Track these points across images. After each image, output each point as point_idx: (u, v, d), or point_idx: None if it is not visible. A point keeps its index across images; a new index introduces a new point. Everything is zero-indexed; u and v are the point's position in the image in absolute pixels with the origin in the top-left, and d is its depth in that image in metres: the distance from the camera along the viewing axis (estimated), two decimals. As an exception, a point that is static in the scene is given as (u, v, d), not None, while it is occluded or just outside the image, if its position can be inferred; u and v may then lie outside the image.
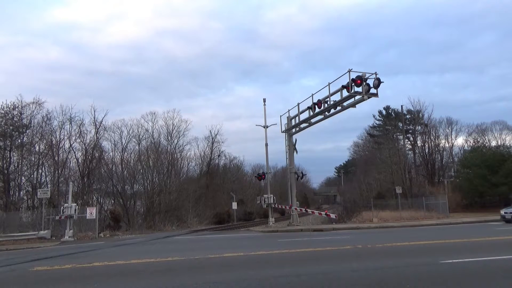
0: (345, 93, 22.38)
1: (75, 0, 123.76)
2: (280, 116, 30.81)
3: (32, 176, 33.80)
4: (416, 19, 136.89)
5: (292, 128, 29.46)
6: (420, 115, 52.01)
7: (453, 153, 54.49)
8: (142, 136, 46.79)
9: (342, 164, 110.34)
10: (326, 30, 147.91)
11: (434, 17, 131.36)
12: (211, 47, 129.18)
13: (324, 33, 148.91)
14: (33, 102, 33.89)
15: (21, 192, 33.48)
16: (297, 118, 28.39)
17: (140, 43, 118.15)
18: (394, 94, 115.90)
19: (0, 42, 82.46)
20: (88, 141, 38.22)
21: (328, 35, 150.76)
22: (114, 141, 43.62)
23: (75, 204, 26.78)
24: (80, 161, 37.80)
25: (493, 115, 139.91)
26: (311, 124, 27.83)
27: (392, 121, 63.15)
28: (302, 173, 33.90)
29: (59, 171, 34.70)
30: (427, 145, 51.04)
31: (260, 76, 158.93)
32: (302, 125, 28.57)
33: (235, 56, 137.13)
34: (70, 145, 37.16)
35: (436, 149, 51.07)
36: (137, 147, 45.78)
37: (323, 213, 33.19)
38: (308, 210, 35.35)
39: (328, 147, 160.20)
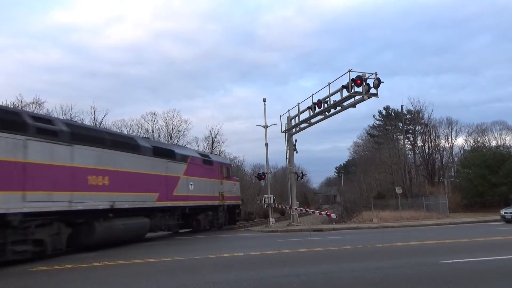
0: (345, 93, 22.31)
1: (75, 3, 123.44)
2: (280, 116, 30.80)
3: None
4: (412, 21, 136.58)
5: (292, 128, 29.44)
6: (420, 115, 52.05)
7: (453, 153, 54.58)
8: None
9: (342, 164, 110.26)
10: (322, 32, 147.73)
11: (429, 19, 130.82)
12: (209, 49, 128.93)
13: (320, 35, 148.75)
14: (33, 102, 33.94)
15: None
16: (297, 118, 28.36)
17: (139, 45, 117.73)
18: (391, 95, 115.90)
19: (1, 43, 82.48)
20: (88, 141, 38.11)
21: (324, 37, 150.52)
22: (114, 141, 43.53)
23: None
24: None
25: (490, 116, 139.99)
26: (311, 124, 27.81)
27: (392, 121, 63.21)
28: (302, 173, 33.87)
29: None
30: (427, 145, 51.06)
31: (258, 77, 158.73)
32: (302, 125, 28.55)
33: (233, 57, 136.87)
34: (70, 145, 37.08)
35: (436, 149, 51.09)
36: (137, 147, 45.64)
37: (323, 213, 33.18)
38: (308, 210, 35.35)
39: (328, 147, 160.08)
